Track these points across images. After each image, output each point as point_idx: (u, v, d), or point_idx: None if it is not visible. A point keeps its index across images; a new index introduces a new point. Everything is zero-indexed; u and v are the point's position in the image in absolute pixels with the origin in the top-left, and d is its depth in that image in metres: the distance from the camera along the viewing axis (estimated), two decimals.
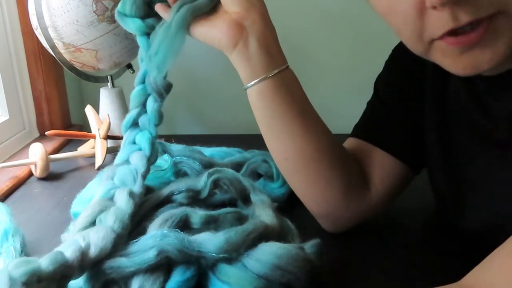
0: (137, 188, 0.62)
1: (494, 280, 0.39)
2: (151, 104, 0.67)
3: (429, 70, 0.59)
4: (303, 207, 0.65)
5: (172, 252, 0.48)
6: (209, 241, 0.50)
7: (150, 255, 0.48)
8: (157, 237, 0.49)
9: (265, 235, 0.53)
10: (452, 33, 0.42)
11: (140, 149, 0.68)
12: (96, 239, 0.49)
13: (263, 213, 0.58)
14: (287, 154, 0.58)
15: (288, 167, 0.60)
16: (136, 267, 0.48)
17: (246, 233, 0.52)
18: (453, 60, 0.44)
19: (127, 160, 0.67)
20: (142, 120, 0.68)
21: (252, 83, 0.56)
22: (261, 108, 0.57)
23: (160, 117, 0.68)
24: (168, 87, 0.66)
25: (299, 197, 0.63)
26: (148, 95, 0.67)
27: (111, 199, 0.60)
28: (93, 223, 0.55)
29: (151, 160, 0.67)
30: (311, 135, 0.57)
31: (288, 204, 0.70)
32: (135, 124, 0.69)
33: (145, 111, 0.68)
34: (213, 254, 0.49)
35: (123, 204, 0.57)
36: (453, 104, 0.57)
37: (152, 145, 0.67)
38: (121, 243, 0.51)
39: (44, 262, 0.44)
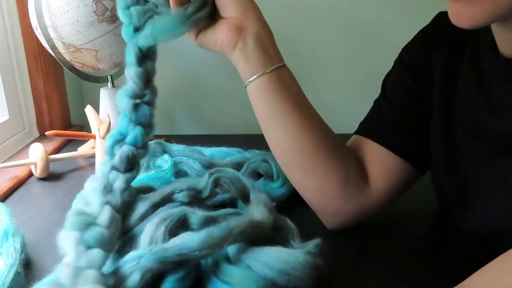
0: None
1: None
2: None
3: (437, 72, 0.59)
4: (303, 207, 0.65)
5: (155, 267, 0.48)
6: (190, 241, 0.49)
7: (136, 279, 0.47)
8: (133, 261, 0.48)
9: (250, 230, 0.53)
10: None
11: None
12: None
13: (255, 210, 0.58)
14: (283, 146, 0.61)
15: (285, 159, 0.62)
16: None
17: (229, 228, 0.51)
18: (447, 4, 0.48)
19: None
20: None
21: (251, 79, 0.59)
22: (259, 102, 0.60)
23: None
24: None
25: (299, 191, 0.64)
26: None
27: None
28: None
29: None
30: (307, 128, 0.60)
31: (288, 204, 0.69)
32: None
33: None
34: (197, 253, 0.49)
35: None
36: (460, 107, 0.57)
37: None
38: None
39: None
